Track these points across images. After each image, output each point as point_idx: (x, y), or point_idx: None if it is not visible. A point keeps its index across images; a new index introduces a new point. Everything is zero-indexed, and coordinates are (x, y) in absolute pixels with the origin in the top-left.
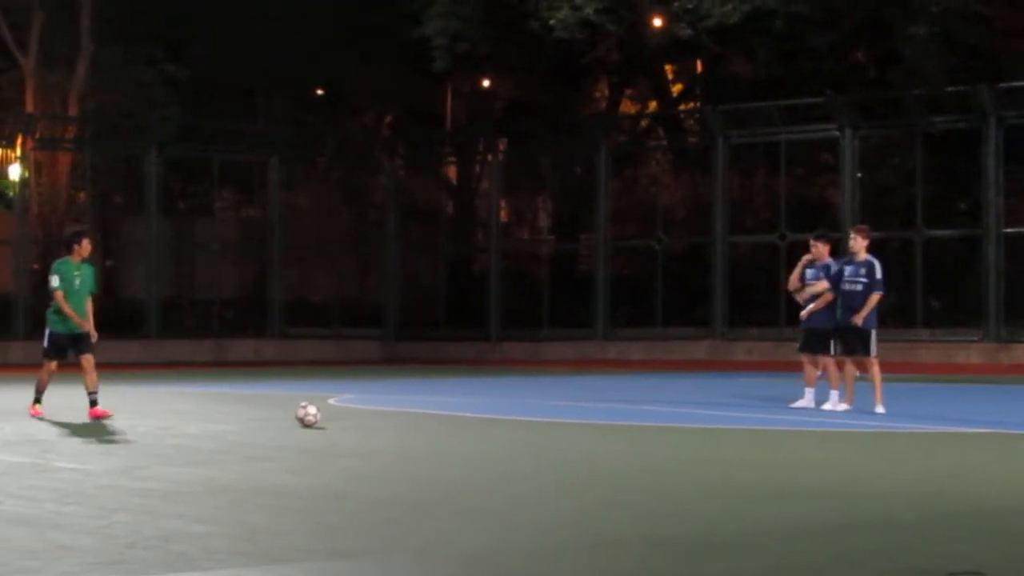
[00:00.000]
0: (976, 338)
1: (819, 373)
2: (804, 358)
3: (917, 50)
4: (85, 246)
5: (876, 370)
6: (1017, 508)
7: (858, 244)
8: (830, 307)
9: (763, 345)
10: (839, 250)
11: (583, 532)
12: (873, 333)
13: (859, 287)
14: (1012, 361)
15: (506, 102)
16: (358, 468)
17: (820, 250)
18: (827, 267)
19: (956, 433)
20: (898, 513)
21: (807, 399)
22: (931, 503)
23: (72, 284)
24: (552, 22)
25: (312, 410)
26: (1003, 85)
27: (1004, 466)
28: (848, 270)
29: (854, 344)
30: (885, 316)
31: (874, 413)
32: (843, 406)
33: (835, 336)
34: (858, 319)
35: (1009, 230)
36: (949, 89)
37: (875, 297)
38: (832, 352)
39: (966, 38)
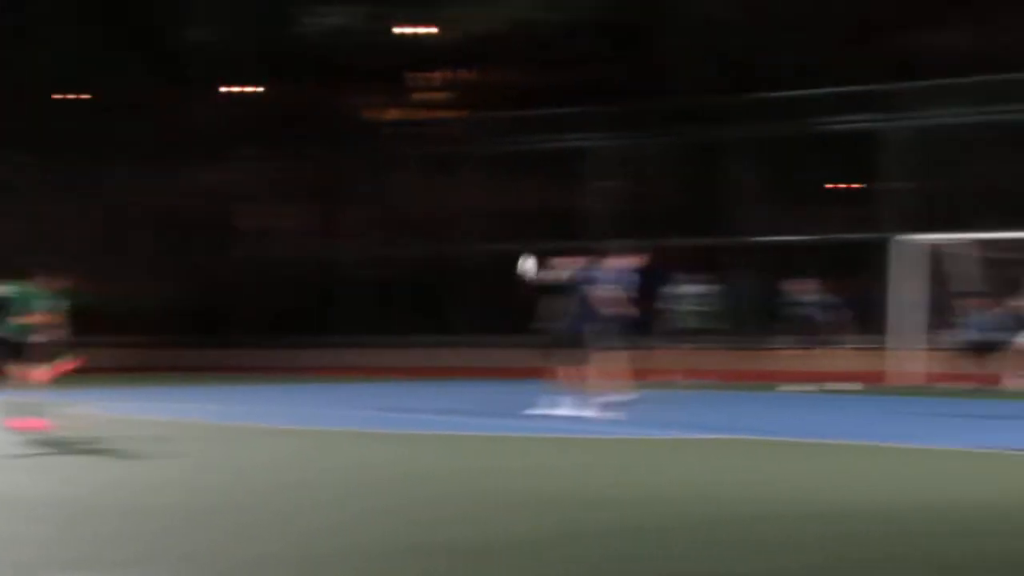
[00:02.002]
0: (728, 345)
1: (566, 380)
2: (558, 365)
3: (671, 60)
4: None
5: (596, 375)
6: (776, 513)
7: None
8: (579, 314)
9: (508, 352)
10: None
11: (352, 540)
12: (596, 336)
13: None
14: (762, 367)
15: (267, 108)
16: (124, 477)
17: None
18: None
19: (711, 439)
20: (655, 520)
21: (565, 405)
22: (690, 510)
23: None
24: (318, 29)
25: None
26: (754, 96)
27: (762, 470)
28: (586, 277)
29: (586, 351)
30: (637, 323)
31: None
32: (588, 411)
33: (576, 343)
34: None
35: (757, 238)
36: (700, 100)
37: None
38: (575, 359)
39: (719, 49)
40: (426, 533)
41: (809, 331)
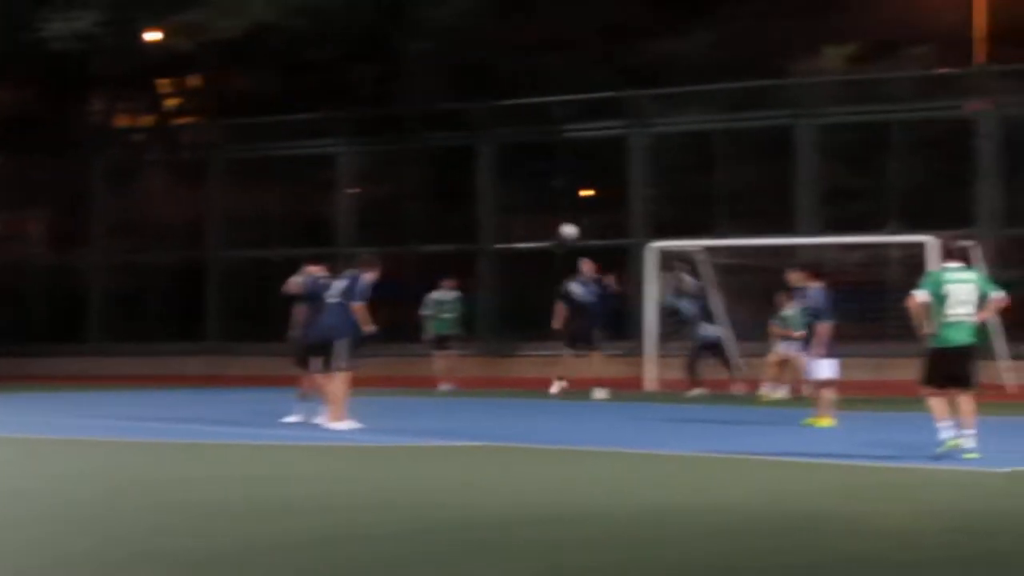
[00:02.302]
0: (470, 352)
1: (311, 388)
2: (304, 373)
3: (413, 67)
4: None
5: (338, 383)
6: (512, 518)
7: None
8: (320, 322)
9: (257, 360)
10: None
11: (86, 548)
12: (341, 345)
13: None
14: (504, 373)
15: (1, 115)
16: None
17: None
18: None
19: (453, 446)
20: (396, 526)
21: (312, 413)
22: (430, 515)
23: None
24: (49, 34)
25: None
26: (497, 103)
27: (500, 476)
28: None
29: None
30: (384, 332)
31: (327, 426)
32: (345, 422)
33: (318, 352)
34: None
35: (501, 246)
36: (445, 106)
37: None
38: (323, 367)
39: (462, 56)
40: (145, 542)
41: (563, 337)
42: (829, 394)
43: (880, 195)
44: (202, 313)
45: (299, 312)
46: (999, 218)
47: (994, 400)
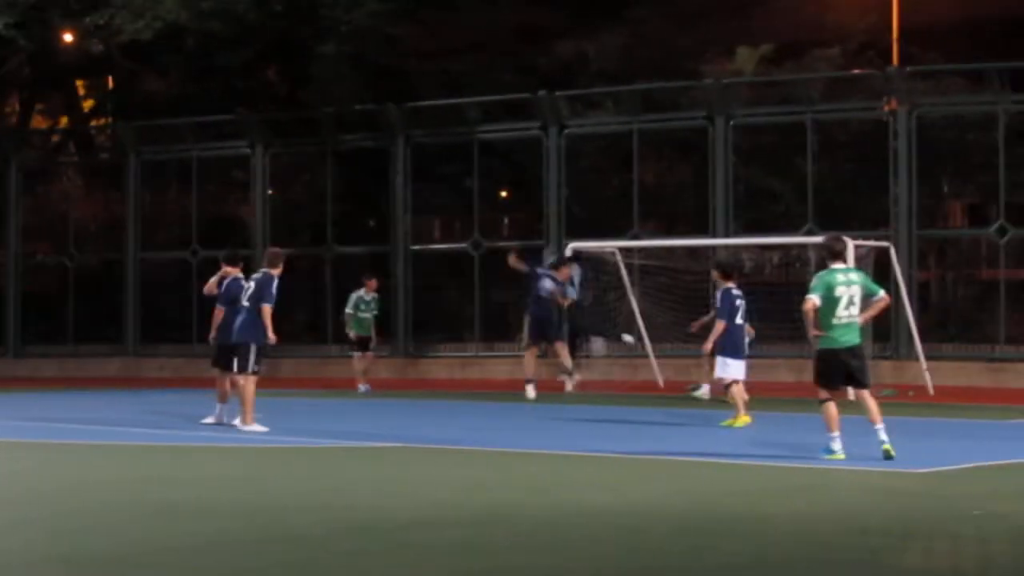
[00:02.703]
0: (385, 353)
1: (224, 389)
2: (220, 374)
3: (327, 69)
4: None
5: (250, 387)
6: (423, 519)
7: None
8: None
9: (175, 362)
10: (250, 269)
11: None
12: (252, 348)
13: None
14: (419, 375)
15: None
16: None
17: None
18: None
19: (366, 447)
20: (307, 528)
21: (218, 414)
22: (341, 517)
23: None
24: None
25: None
26: (411, 104)
27: (412, 478)
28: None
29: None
30: (299, 332)
31: (238, 427)
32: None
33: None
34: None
35: (416, 247)
36: (359, 108)
37: None
38: (237, 368)
39: (375, 58)
40: (64, 544)
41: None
42: (740, 393)
43: (797, 196)
44: (120, 315)
45: (218, 313)
46: (915, 219)
47: (916, 401)
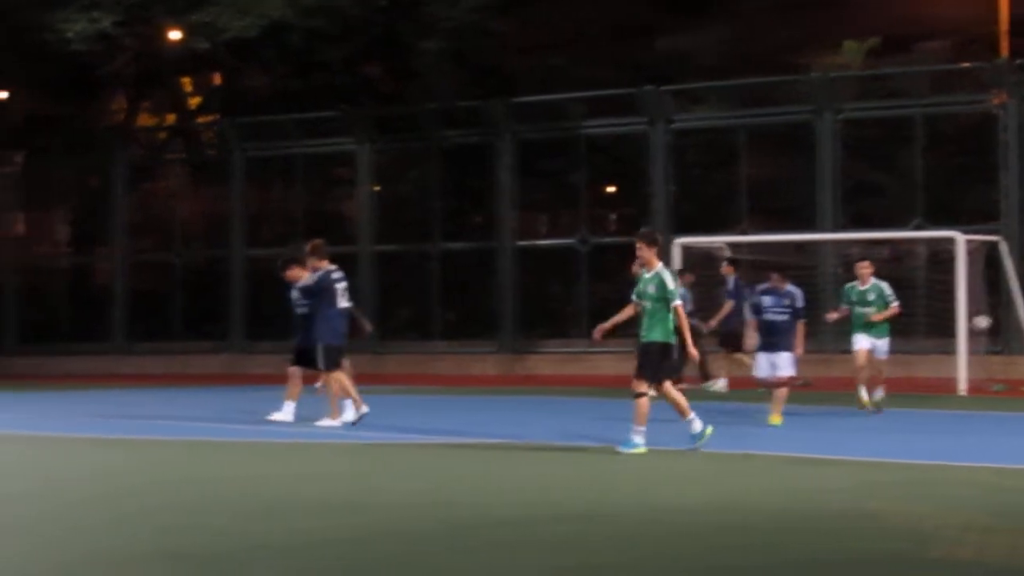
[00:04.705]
0: (491, 349)
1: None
2: (318, 373)
3: (430, 65)
4: None
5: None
6: (523, 516)
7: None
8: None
9: (279, 359)
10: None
11: (97, 547)
12: (320, 347)
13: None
14: (526, 372)
15: (22, 114)
16: None
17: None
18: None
19: (470, 444)
20: (409, 524)
21: (286, 411)
22: (443, 514)
23: None
24: (69, 35)
25: None
26: (516, 100)
27: (514, 475)
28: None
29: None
30: (403, 327)
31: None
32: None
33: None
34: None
35: (522, 243)
36: (463, 104)
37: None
38: (326, 366)
39: (478, 54)
40: (170, 540)
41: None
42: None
43: (904, 190)
44: (223, 311)
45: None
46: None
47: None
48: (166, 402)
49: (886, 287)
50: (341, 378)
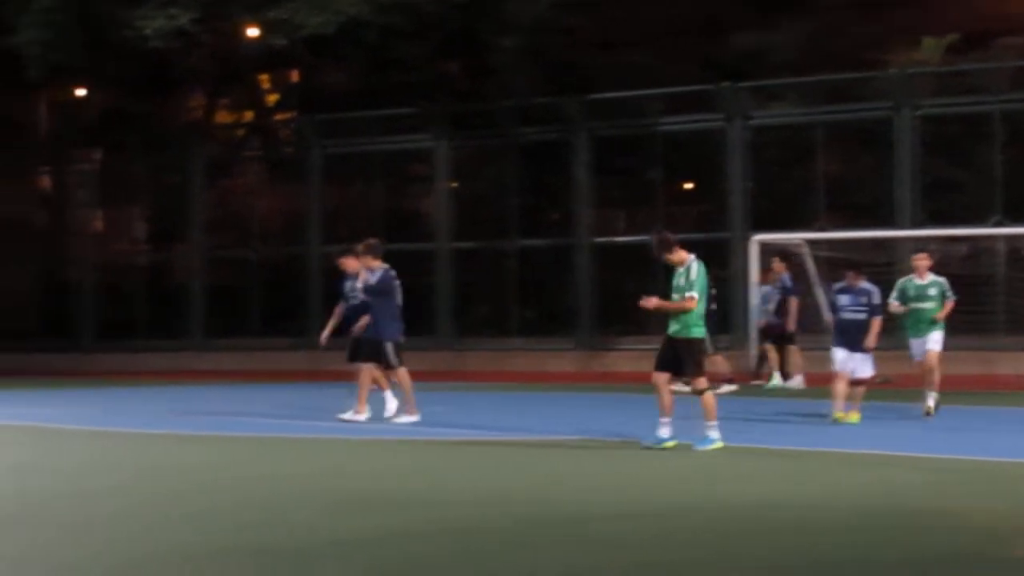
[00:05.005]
0: (568, 346)
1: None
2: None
3: (507, 62)
4: None
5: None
6: (603, 513)
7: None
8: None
9: None
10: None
11: (178, 542)
12: (388, 345)
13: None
14: (603, 368)
15: (100, 111)
16: None
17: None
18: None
19: (546, 441)
20: (484, 521)
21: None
22: (520, 510)
23: None
24: (147, 31)
25: None
26: (592, 96)
27: (591, 472)
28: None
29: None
30: (480, 325)
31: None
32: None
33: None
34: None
35: (600, 239)
36: (540, 100)
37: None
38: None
39: (555, 50)
40: (249, 536)
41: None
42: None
43: (983, 187)
44: (301, 308)
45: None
46: None
47: None
48: (243, 399)
49: (945, 282)
50: (376, 375)
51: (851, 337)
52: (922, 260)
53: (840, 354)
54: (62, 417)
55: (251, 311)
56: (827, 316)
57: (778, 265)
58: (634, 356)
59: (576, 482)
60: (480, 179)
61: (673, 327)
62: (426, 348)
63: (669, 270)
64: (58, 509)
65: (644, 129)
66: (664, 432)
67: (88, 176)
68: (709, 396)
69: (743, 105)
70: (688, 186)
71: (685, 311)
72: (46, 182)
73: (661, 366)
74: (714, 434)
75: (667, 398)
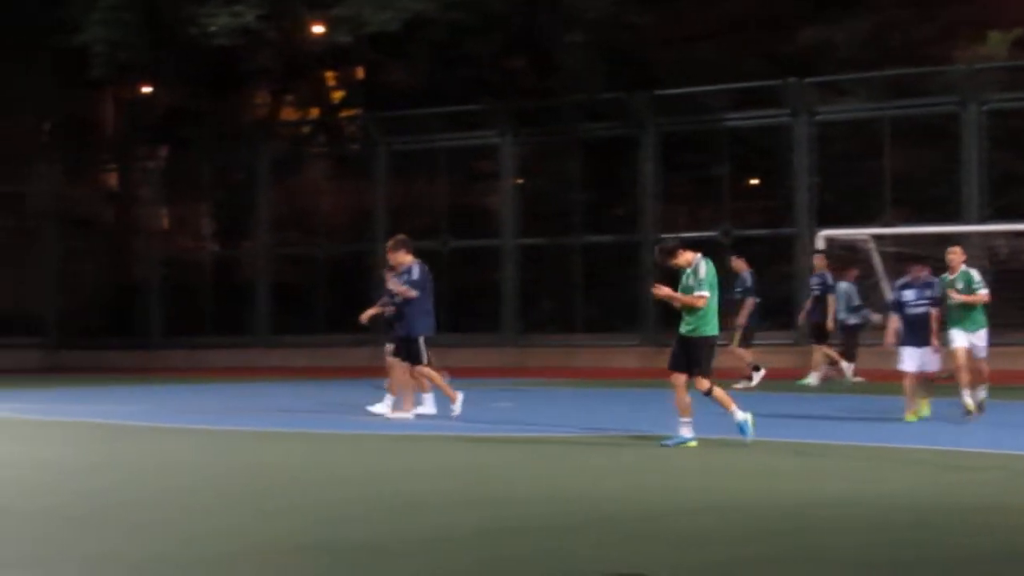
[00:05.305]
0: (634, 342)
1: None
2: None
3: (573, 58)
4: None
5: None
6: (664, 509)
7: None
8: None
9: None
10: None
11: (251, 540)
12: (420, 340)
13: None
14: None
15: (166, 109)
16: (18, 479)
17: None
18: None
19: (608, 437)
20: (552, 519)
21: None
22: (584, 508)
23: None
24: (212, 28)
25: None
26: (658, 92)
27: (653, 468)
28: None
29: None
30: (545, 321)
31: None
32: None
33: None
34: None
35: (665, 235)
36: (606, 96)
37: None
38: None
39: (621, 46)
40: (327, 532)
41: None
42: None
43: None
44: (367, 305)
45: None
46: None
47: None
48: (310, 395)
49: (975, 274)
50: (400, 371)
51: (918, 332)
52: (954, 255)
53: (908, 352)
54: (133, 414)
55: (316, 308)
56: (874, 317)
57: (820, 260)
58: None
59: (650, 479)
60: (545, 175)
61: (685, 326)
62: (490, 344)
63: (675, 274)
64: (132, 507)
65: (710, 125)
66: (686, 431)
67: (154, 174)
68: (719, 391)
69: (809, 100)
70: (754, 182)
71: (695, 307)
72: (113, 180)
73: (676, 366)
74: (741, 415)
75: (685, 399)
